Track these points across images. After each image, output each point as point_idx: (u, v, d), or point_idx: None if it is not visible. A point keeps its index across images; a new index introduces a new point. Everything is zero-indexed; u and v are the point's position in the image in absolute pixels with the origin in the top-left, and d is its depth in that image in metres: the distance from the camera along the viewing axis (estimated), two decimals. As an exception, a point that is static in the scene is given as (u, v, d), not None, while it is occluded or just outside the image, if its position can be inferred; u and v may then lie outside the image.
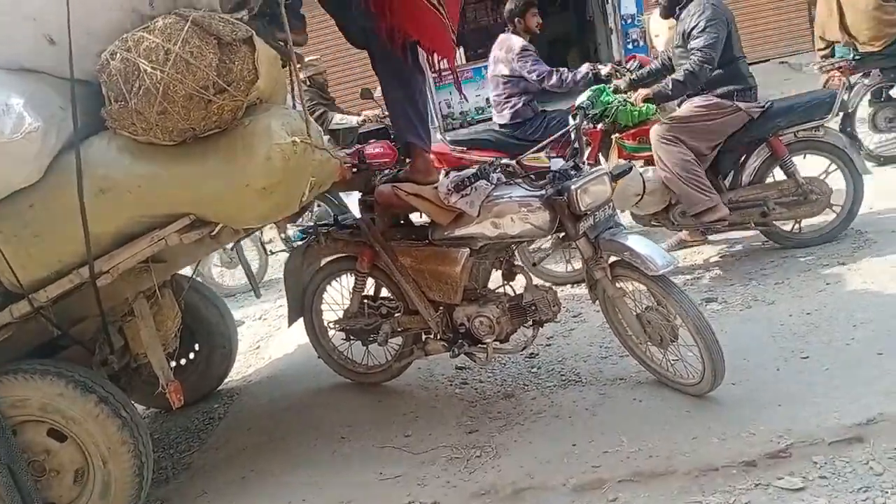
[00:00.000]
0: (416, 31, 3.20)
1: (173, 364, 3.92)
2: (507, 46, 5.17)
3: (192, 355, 4.18)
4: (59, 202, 2.51)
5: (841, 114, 5.25)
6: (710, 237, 4.79)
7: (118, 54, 2.31)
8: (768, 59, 10.99)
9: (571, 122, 3.82)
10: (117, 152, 2.49)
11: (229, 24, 2.33)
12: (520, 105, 5.15)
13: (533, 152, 4.17)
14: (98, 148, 2.52)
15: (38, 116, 2.39)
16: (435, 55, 3.40)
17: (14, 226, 2.56)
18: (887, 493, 2.29)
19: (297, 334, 4.34)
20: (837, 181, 4.33)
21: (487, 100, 10.96)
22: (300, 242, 3.74)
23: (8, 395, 2.75)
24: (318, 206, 5.96)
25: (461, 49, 11.13)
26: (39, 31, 2.42)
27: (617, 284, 3.11)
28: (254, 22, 2.48)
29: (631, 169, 3.39)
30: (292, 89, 3.02)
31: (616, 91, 4.51)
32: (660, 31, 8.86)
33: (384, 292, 3.67)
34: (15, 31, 2.44)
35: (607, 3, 11.20)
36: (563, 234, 3.08)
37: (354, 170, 3.45)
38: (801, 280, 4.05)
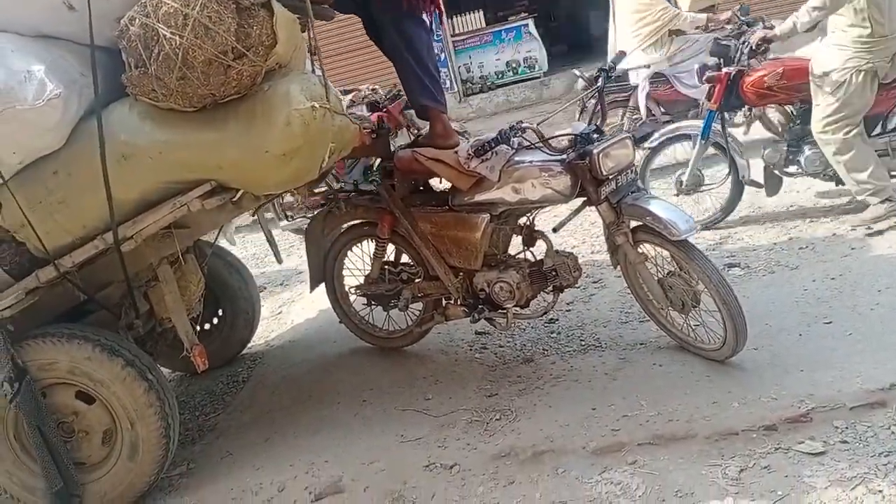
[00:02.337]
0: None
1: (197, 329, 3.98)
2: None
3: (215, 320, 4.25)
4: (83, 168, 2.54)
5: None
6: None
7: (137, 20, 2.30)
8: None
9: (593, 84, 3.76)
10: (138, 119, 2.50)
11: (247, -13, 2.31)
12: None
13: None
14: (119, 114, 2.53)
15: (60, 83, 2.40)
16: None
17: (38, 192, 2.59)
18: (909, 457, 2.29)
19: (319, 299, 4.38)
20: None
21: (507, 63, 10.87)
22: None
23: (37, 358, 2.82)
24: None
25: (480, 12, 10.97)
26: (59, -4, 2.42)
27: (639, 249, 3.09)
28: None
29: (653, 133, 3.35)
30: (311, 54, 3.00)
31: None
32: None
33: (404, 258, 3.68)
34: (34, -2, 2.44)
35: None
36: (584, 198, 3.06)
37: (374, 135, 3.43)
38: (825, 245, 4.00)
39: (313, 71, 3.03)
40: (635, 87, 5.66)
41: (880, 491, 2.18)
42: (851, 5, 3.83)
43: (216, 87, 2.33)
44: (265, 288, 5.47)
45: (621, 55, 3.64)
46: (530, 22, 10.79)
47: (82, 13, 2.39)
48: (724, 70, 4.29)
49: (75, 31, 2.48)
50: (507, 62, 10.88)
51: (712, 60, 4.72)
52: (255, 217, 3.66)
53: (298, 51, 2.76)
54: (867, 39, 3.84)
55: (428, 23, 3.46)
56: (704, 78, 4.46)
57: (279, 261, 4.15)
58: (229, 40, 2.26)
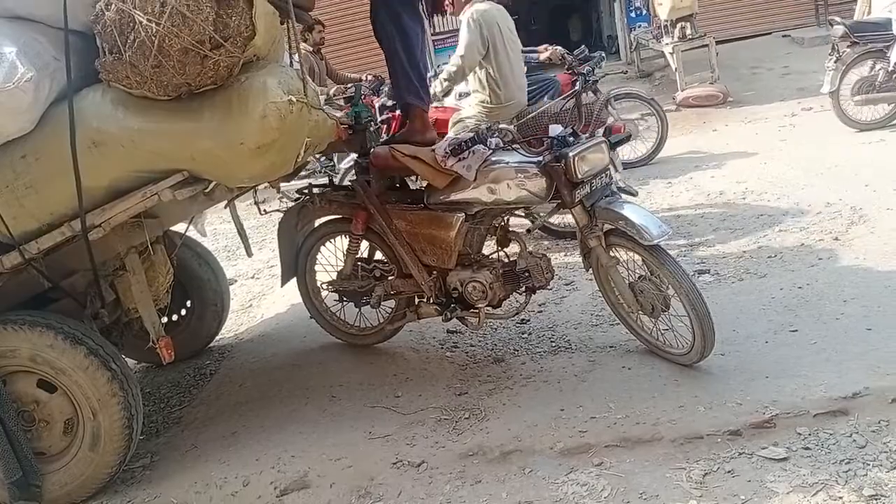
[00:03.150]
0: None
1: (164, 320, 3.93)
2: None
3: (183, 311, 4.19)
4: (52, 153, 2.50)
5: None
6: (705, 210, 4.80)
7: (113, 5, 2.27)
8: (770, 33, 10.87)
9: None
10: (111, 105, 2.47)
11: (226, -23, 2.28)
12: None
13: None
14: (92, 100, 2.49)
15: (32, 66, 2.37)
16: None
17: (6, 176, 2.55)
18: (869, 465, 2.33)
19: (290, 294, 4.35)
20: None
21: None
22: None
23: (-2, 345, 2.76)
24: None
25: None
26: (33, -23, 2.38)
27: (611, 253, 3.11)
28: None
29: (629, 137, 3.37)
30: (290, 47, 2.97)
31: None
32: (663, -1, 8.78)
33: (378, 255, 3.67)
34: (9, -22, 2.40)
35: (611, -30, 11.05)
36: (559, 201, 3.07)
37: (350, 131, 3.42)
38: (793, 254, 4.07)
39: (291, 64, 3.01)
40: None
41: (840, 497, 2.22)
42: (476, 76, 4.66)
43: (192, 76, 2.31)
44: (235, 281, 5.42)
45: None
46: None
47: (56, -5, 2.35)
48: None
49: (50, 13, 2.45)
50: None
51: None
52: (227, 208, 3.62)
53: (277, 43, 2.74)
54: (489, 105, 4.69)
55: (426, 23, 3.47)
56: None
57: (249, 254, 4.11)
58: (207, 30, 2.23)
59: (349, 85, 6.24)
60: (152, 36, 2.22)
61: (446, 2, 4.62)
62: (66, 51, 2.42)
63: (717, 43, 8.70)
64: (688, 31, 8.79)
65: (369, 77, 6.56)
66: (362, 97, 3.71)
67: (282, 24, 2.76)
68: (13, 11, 2.51)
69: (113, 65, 2.34)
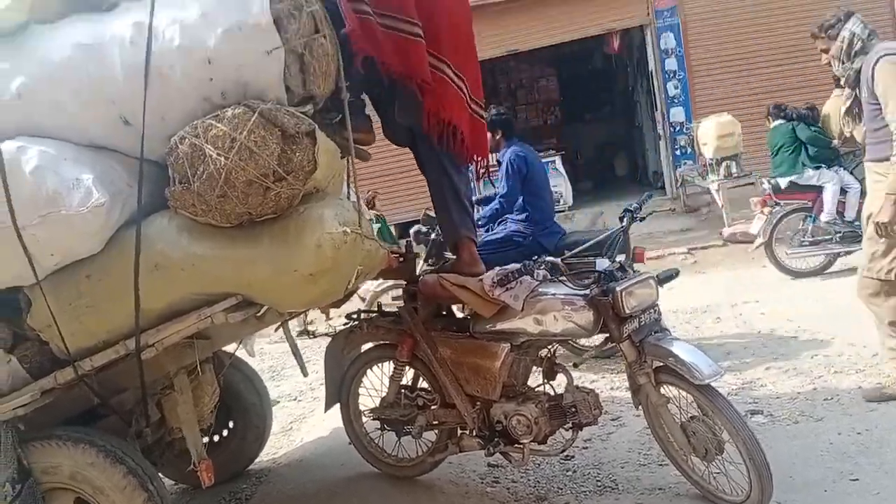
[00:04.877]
0: (462, 128, 3.27)
1: (206, 440, 3.91)
2: None
3: (225, 432, 4.17)
4: (115, 275, 2.59)
5: None
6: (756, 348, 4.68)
7: (187, 139, 2.43)
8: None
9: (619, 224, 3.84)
10: (176, 231, 2.58)
11: (294, 116, 2.44)
12: None
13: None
14: (158, 225, 2.61)
15: (106, 192, 2.50)
16: (475, 155, 3.48)
17: (69, 294, 2.64)
18: None
19: (331, 417, 4.30)
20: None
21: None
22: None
23: (41, 461, 2.78)
24: None
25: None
26: (117, 112, 2.57)
27: (661, 390, 3.04)
28: (318, 116, 2.58)
29: (678, 273, 3.37)
30: (349, 180, 3.11)
31: None
32: (708, 138, 8.99)
33: (422, 383, 3.64)
34: (94, 111, 2.59)
35: (656, 109, 11.39)
36: (606, 335, 3.05)
37: (401, 259, 3.50)
38: (850, 397, 3.91)
39: (349, 197, 3.14)
40: None
41: None
42: None
43: (254, 206, 2.42)
44: (278, 402, 5.39)
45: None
46: (558, 159, 11.14)
47: (136, 129, 2.53)
48: None
49: (128, 145, 2.62)
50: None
51: None
52: (278, 330, 3.68)
53: (336, 177, 2.87)
54: None
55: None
56: None
57: (304, 374, 4.11)
58: (272, 164, 2.36)
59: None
60: (220, 168, 2.35)
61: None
62: (139, 179, 2.57)
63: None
64: (733, 170, 8.92)
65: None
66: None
67: (342, 158, 2.90)
68: (94, 141, 2.69)
69: (181, 193, 2.47)
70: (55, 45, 2.59)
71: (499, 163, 5.25)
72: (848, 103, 3.99)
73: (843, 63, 3.76)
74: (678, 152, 11.16)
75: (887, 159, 3.56)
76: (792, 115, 6.88)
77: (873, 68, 3.54)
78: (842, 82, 3.95)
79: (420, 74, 3.01)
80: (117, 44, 2.52)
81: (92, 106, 2.58)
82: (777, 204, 6.88)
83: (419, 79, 3.01)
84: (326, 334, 3.89)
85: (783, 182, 6.81)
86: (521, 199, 5.08)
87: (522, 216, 5.04)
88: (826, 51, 3.85)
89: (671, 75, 11.11)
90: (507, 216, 5.20)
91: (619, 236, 4.67)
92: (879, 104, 3.56)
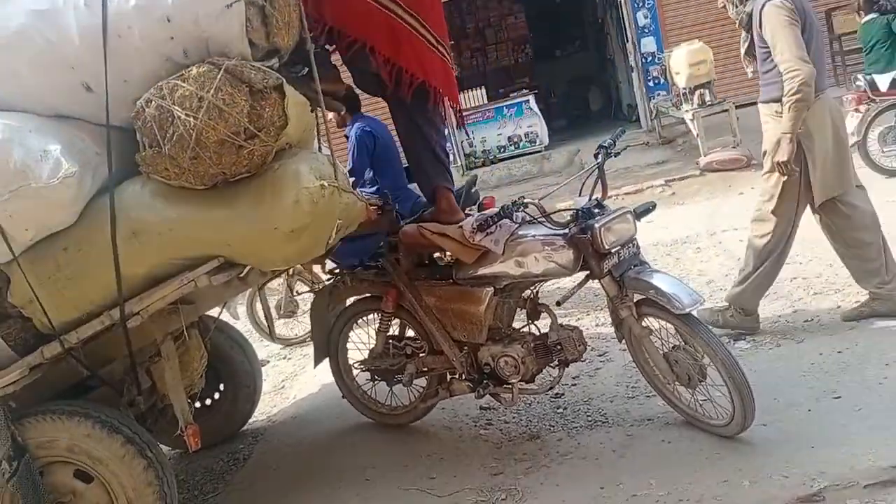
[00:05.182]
0: (423, 74, 3.22)
1: (198, 404, 3.94)
2: None
3: (217, 395, 4.20)
4: (93, 245, 2.57)
5: None
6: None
7: (153, 102, 2.38)
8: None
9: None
10: (150, 196, 2.55)
11: (260, 71, 2.39)
12: None
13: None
14: (131, 192, 2.58)
15: (75, 162, 2.46)
16: (444, 99, 3.43)
17: (48, 269, 2.61)
18: (927, 539, 2.23)
19: (322, 373, 4.35)
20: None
21: (509, 138, 11.11)
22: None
23: (36, 436, 2.78)
24: None
25: (483, 89, 11.26)
26: (78, 79, 2.51)
27: (643, 323, 3.09)
28: (284, 69, 2.53)
29: (654, 207, 3.39)
30: (320, 134, 3.07)
31: None
32: (680, 67, 8.95)
33: (409, 332, 3.67)
34: (55, 80, 2.53)
35: (627, 41, 11.26)
36: (588, 272, 3.08)
37: (379, 211, 3.48)
38: (830, 318, 3.99)
39: (321, 150, 3.10)
40: None
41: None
42: None
43: (228, 165, 2.39)
44: (268, 361, 5.43)
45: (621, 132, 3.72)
46: (531, 98, 11.08)
47: (99, 95, 2.47)
48: None
49: (92, 111, 2.56)
50: (509, 137, 11.12)
51: None
52: (259, 291, 3.69)
53: (308, 131, 2.83)
54: None
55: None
56: None
57: (273, 339, 4.13)
58: (242, 122, 2.32)
59: None
60: (190, 130, 2.31)
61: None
62: (108, 146, 2.52)
63: (737, 107, 8.77)
64: (706, 98, 8.91)
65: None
66: None
67: (312, 111, 2.86)
68: (58, 110, 2.63)
69: (152, 158, 2.43)
70: (7, 13, 2.51)
71: (346, 138, 5.21)
72: (746, 45, 4.07)
73: (737, 6, 3.90)
74: (651, 83, 11.09)
75: (778, 100, 3.67)
76: (887, 7, 6.55)
77: (760, 12, 3.61)
78: (737, 25, 4.04)
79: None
80: (72, 7, 2.44)
81: (51, 74, 2.51)
82: (873, 101, 6.54)
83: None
84: (310, 291, 3.89)
85: (882, 80, 6.45)
86: (371, 173, 5.06)
87: (373, 189, 4.95)
88: None
89: (640, 4, 10.94)
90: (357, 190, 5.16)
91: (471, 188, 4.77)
92: (768, 46, 3.63)
